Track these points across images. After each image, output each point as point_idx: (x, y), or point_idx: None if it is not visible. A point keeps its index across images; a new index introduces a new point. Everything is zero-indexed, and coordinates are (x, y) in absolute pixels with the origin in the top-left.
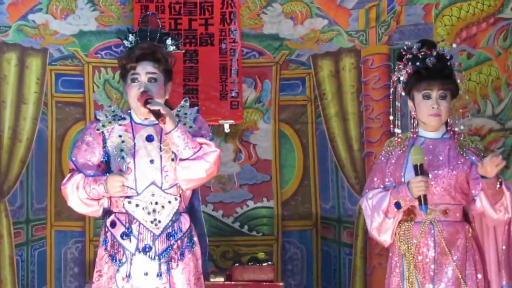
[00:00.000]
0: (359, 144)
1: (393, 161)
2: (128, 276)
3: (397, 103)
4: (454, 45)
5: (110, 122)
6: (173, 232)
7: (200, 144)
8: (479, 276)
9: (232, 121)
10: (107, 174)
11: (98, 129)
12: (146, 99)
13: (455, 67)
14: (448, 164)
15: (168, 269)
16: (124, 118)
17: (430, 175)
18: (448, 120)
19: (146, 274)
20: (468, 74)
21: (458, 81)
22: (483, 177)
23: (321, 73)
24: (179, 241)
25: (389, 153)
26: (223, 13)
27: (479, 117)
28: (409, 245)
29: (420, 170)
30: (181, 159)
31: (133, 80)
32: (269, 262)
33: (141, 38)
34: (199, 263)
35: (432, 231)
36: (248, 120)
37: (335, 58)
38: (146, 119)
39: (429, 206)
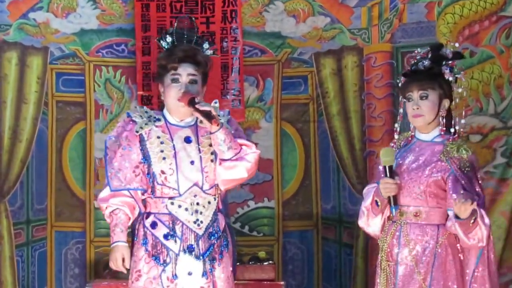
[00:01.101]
0: (361, 143)
1: None
2: (174, 276)
3: (400, 109)
4: (457, 44)
5: (146, 124)
6: (214, 231)
7: (241, 145)
8: (450, 284)
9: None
10: (116, 243)
11: (137, 131)
12: (190, 98)
13: (447, 67)
14: (424, 169)
15: (211, 268)
16: (158, 119)
17: (397, 177)
18: (440, 121)
19: (190, 274)
20: (470, 72)
21: (450, 78)
22: (456, 216)
23: (324, 71)
24: (218, 241)
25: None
26: (224, 12)
27: (482, 115)
28: (383, 243)
29: (388, 172)
30: (223, 160)
31: (174, 81)
32: (270, 261)
33: (177, 40)
34: (231, 261)
35: (399, 233)
36: (250, 119)
37: (338, 56)
38: (182, 120)
39: (400, 207)
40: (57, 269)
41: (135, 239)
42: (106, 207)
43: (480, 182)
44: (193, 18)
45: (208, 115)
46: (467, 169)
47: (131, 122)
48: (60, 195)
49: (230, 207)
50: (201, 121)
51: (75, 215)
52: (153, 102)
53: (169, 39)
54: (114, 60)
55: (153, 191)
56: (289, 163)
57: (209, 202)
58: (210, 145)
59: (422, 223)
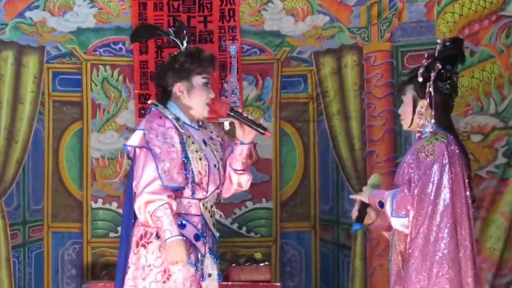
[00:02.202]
0: (361, 143)
1: None
2: (203, 277)
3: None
4: (438, 40)
5: (178, 120)
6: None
7: None
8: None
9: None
10: (175, 237)
11: (177, 128)
12: (231, 107)
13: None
14: (401, 166)
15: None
16: (178, 119)
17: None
18: (418, 121)
19: (209, 275)
20: (471, 72)
21: (420, 79)
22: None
23: (323, 70)
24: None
25: None
26: (222, 10)
27: (482, 115)
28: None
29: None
30: (237, 170)
31: (205, 84)
32: (266, 263)
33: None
34: None
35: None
36: None
37: (337, 55)
38: (192, 122)
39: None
40: (54, 270)
41: (157, 238)
42: (157, 200)
43: (433, 171)
44: (181, 20)
45: (259, 125)
46: (426, 156)
47: (164, 118)
48: (56, 195)
49: (227, 208)
50: (200, 126)
51: (72, 215)
52: None
53: (186, 38)
54: (112, 59)
55: (193, 191)
56: (288, 164)
57: (216, 206)
58: (217, 150)
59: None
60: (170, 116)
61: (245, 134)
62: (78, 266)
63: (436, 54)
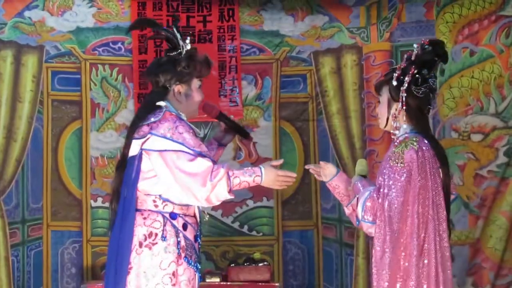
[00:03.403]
0: (361, 142)
1: None
2: (200, 278)
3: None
4: (415, 45)
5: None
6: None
7: None
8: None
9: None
10: (262, 172)
11: (190, 126)
12: (220, 112)
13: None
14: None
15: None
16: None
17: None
18: (392, 124)
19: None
20: (471, 72)
21: (394, 83)
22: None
23: (323, 70)
24: None
25: None
26: (221, 10)
27: (482, 114)
28: None
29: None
30: None
31: (200, 86)
32: (265, 262)
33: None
34: None
35: None
36: (248, 118)
37: (337, 55)
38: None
39: None
40: (53, 269)
41: (163, 239)
42: (220, 178)
43: (396, 175)
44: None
45: (242, 130)
46: (396, 163)
47: (179, 119)
48: (56, 194)
49: (228, 206)
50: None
51: (71, 214)
52: None
53: (188, 40)
54: (111, 58)
55: None
56: (288, 163)
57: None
58: None
59: None
60: (182, 116)
61: (226, 137)
62: (77, 265)
63: (413, 58)
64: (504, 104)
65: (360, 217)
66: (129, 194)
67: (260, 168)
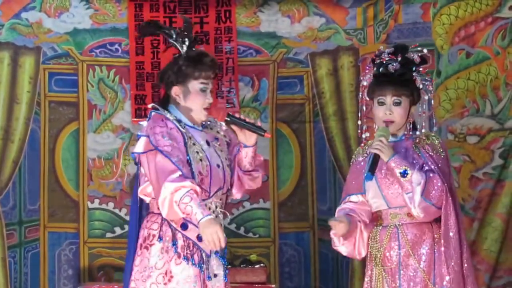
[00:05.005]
0: (358, 143)
1: (357, 167)
2: (208, 277)
3: (364, 107)
4: (425, 50)
5: (179, 122)
6: (226, 236)
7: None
8: (447, 278)
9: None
10: (207, 216)
11: (180, 130)
12: (228, 113)
13: (419, 73)
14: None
15: (228, 271)
16: (180, 120)
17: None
18: (407, 126)
19: (215, 276)
20: (467, 73)
21: (421, 86)
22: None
23: (319, 71)
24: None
25: (354, 160)
26: (218, 11)
27: (478, 116)
28: (377, 250)
29: (374, 163)
30: (245, 170)
31: (203, 90)
32: (261, 264)
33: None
34: None
35: (396, 235)
36: None
37: (333, 56)
38: (194, 124)
39: (391, 209)
40: (50, 271)
41: (159, 240)
42: (182, 188)
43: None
44: (190, 19)
45: (258, 127)
46: (442, 152)
47: (165, 120)
48: (53, 195)
49: (225, 208)
50: (205, 127)
51: (68, 215)
52: (146, 102)
53: (187, 42)
54: (108, 59)
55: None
56: (285, 164)
57: (221, 206)
58: (222, 150)
59: (416, 222)
60: (171, 118)
61: (247, 137)
62: (74, 266)
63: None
64: (500, 106)
65: (420, 193)
66: (133, 198)
67: (211, 215)
